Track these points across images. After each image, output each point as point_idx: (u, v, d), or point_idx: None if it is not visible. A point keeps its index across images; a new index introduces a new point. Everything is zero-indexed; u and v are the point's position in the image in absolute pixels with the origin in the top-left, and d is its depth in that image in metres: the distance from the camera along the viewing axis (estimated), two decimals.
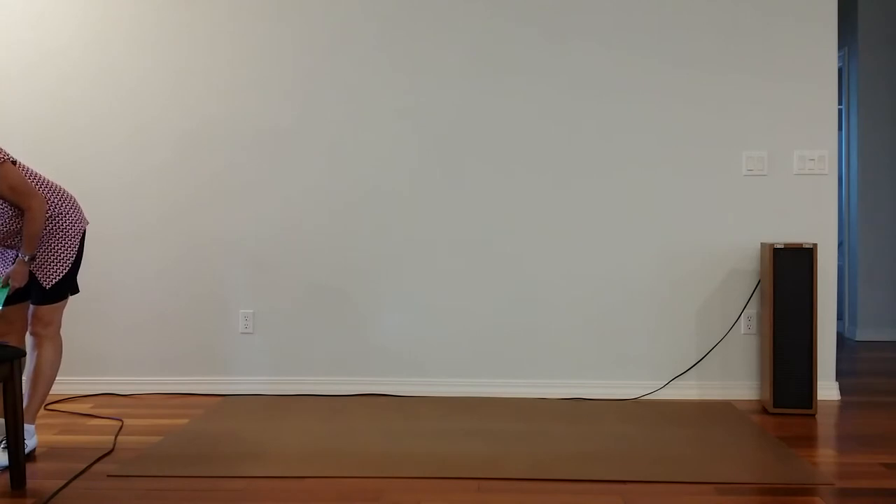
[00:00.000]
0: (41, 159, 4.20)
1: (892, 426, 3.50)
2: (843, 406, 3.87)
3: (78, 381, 4.20)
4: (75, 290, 3.20)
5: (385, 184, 4.12)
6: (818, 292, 3.85)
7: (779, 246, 3.70)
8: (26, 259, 2.97)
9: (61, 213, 3.10)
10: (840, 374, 4.58)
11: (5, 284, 2.95)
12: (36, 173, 3.08)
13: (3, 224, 2.98)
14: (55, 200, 3.09)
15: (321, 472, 2.87)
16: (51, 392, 4.14)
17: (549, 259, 4.08)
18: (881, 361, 5.04)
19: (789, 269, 3.69)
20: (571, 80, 4.05)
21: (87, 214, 4.20)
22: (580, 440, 3.28)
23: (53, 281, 3.06)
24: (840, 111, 6.17)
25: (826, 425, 3.52)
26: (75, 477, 2.84)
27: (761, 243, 3.92)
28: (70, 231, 3.12)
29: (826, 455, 3.08)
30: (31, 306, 3.09)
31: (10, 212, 2.97)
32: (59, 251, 3.09)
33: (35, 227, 2.94)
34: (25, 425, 3.05)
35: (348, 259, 4.14)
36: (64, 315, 4.15)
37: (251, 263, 4.17)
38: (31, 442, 3.08)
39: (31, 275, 3.06)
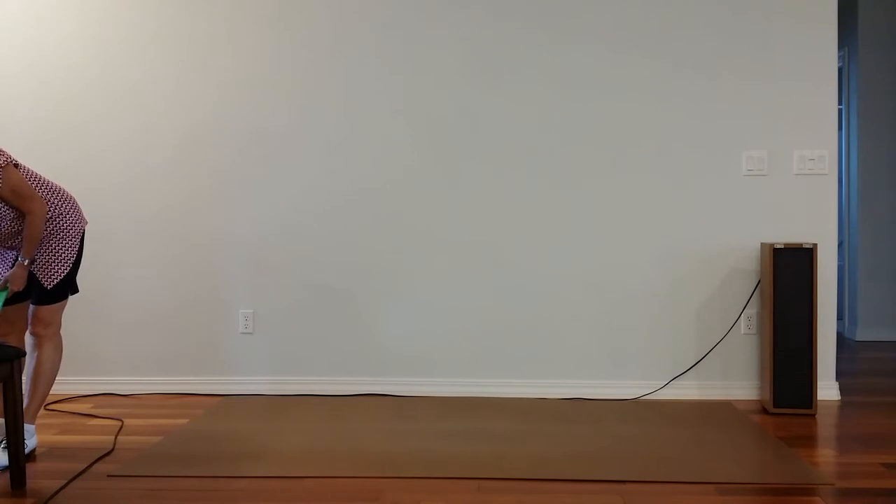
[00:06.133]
0: (41, 159, 4.20)
1: (892, 426, 3.50)
2: (843, 406, 3.87)
3: (78, 381, 4.20)
4: (75, 289, 3.20)
5: (384, 184, 4.13)
6: (818, 292, 3.85)
7: (779, 246, 3.70)
8: (25, 262, 2.98)
9: (61, 214, 3.10)
10: (840, 374, 4.58)
11: (3, 287, 2.95)
12: (36, 174, 3.08)
13: (4, 225, 2.98)
14: (55, 201, 3.09)
15: (321, 472, 2.87)
16: (51, 392, 4.13)
17: (549, 259, 4.08)
18: (881, 361, 5.04)
19: (789, 269, 3.69)
20: (572, 80, 4.05)
21: (86, 214, 4.20)
22: (580, 440, 3.28)
23: (54, 281, 3.06)
24: (840, 111, 6.17)
25: (826, 425, 3.52)
26: (75, 477, 2.84)
27: (761, 243, 3.92)
28: (70, 231, 3.12)
29: (826, 455, 3.08)
30: (32, 306, 3.09)
31: (11, 214, 2.97)
32: (60, 252, 3.09)
33: (35, 230, 2.95)
34: (25, 425, 3.05)
35: (348, 259, 4.14)
36: (64, 315, 4.15)
37: (251, 263, 4.17)
38: (31, 442, 3.08)
39: (32, 275, 3.06)
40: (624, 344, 4.08)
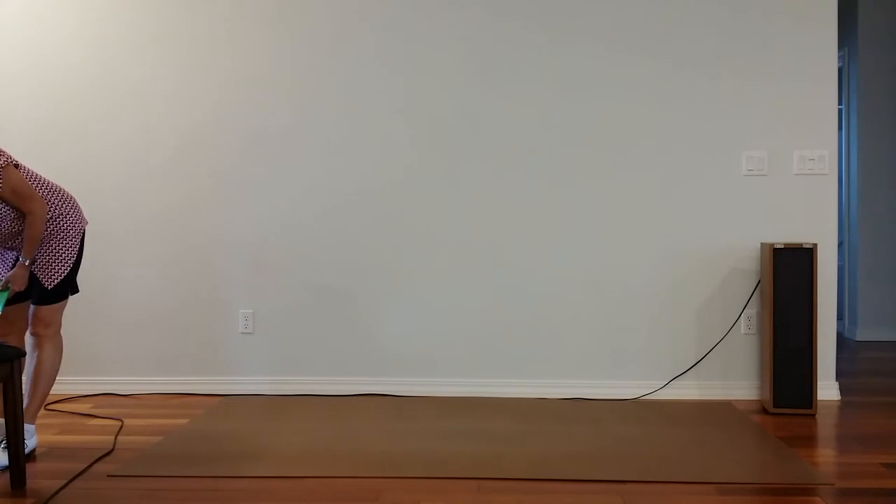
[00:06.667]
0: (41, 159, 4.20)
1: (892, 426, 3.50)
2: (843, 406, 3.87)
3: (78, 381, 4.20)
4: (75, 289, 3.20)
5: (384, 184, 4.13)
6: (818, 292, 3.85)
7: (779, 246, 3.70)
8: (26, 263, 2.98)
9: (62, 214, 3.10)
10: (840, 374, 4.58)
11: (5, 288, 2.95)
12: (36, 174, 3.08)
13: (4, 226, 2.98)
14: (55, 201, 3.09)
15: (321, 472, 2.87)
16: (51, 392, 4.13)
17: (549, 259, 4.08)
18: (881, 361, 5.04)
19: (789, 269, 3.69)
20: (572, 80, 4.05)
21: (86, 214, 4.20)
22: (580, 440, 3.28)
23: (55, 281, 3.06)
24: (840, 111, 6.17)
25: (826, 425, 3.52)
26: (75, 477, 2.84)
27: (761, 243, 3.92)
28: (71, 231, 3.12)
29: (826, 455, 3.08)
30: (32, 306, 3.09)
31: (11, 214, 2.97)
32: (61, 252, 3.09)
33: (36, 230, 2.95)
34: (25, 425, 3.05)
35: (348, 259, 4.14)
36: (64, 315, 4.15)
37: (251, 263, 4.17)
38: (31, 442, 3.08)
39: (32, 275, 3.06)
40: (624, 344, 4.08)
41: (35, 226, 2.95)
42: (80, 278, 4.20)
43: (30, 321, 3.11)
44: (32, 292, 3.10)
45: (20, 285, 2.97)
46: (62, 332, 3.26)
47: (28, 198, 2.94)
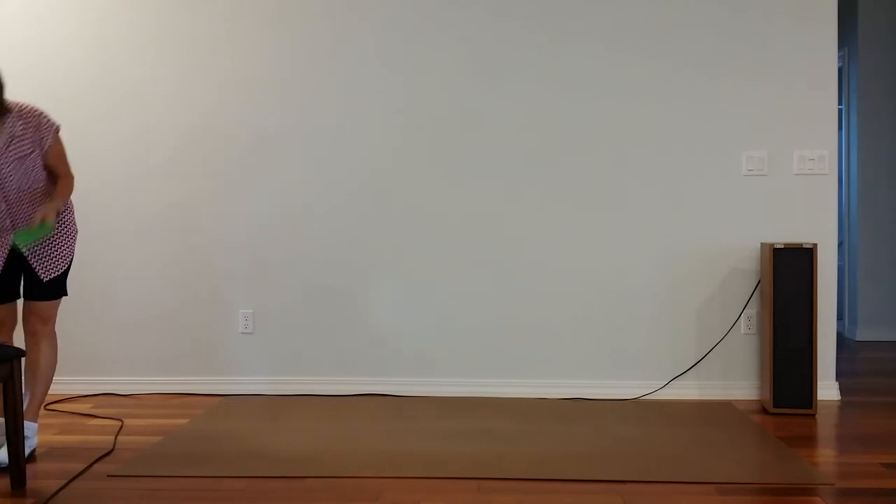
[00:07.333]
0: None
1: (892, 426, 3.50)
2: (843, 406, 3.87)
3: (78, 381, 4.20)
4: (66, 292, 3.20)
5: (384, 184, 4.13)
6: (818, 292, 3.85)
7: (779, 246, 3.70)
8: (56, 201, 2.99)
9: (68, 210, 3.15)
10: (840, 374, 4.57)
11: (39, 226, 2.89)
12: None
13: (25, 183, 2.95)
14: None
15: (321, 472, 2.87)
16: (50, 392, 4.13)
17: (549, 259, 4.08)
18: (881, 361, 5.04)
19: (789, 269, 3.69)
20: (572, 80, 4.05)
21: (86, 214, 4.20)
22: (580, 440, 3.28)
23: (52, 275, 3.06)
24: (840, 111, 6.17)
25: (826, 425, 3.52)
26: (75, 477, 2.84)
27: (761, 243, 3.92)
28: (70, 230, 3.15)
29: (826, 455, 3.08)
30: (29, 303, 3.08)
31: (33, 175, 2.96)
32: (61, 247, 3.10)
33: (68, 190, 3.06)
34: (27, 424, 3.05)
35: (348, 259, 4.14)
36: (64, 315, 4.15)
37: (251, 263, 4.17)
38: (31, 441, 3.08)
39: (28, 272, 3.07)
40: (624, 344, 4.07)
41: (68, 186, 3.06)
42: (81, 278, 4.20)
43: (26, 318, 3.10)
44: (29, 289, 3.09)
45: (52, 217, 2.94)
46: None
47: (68, 164, 3.07)
